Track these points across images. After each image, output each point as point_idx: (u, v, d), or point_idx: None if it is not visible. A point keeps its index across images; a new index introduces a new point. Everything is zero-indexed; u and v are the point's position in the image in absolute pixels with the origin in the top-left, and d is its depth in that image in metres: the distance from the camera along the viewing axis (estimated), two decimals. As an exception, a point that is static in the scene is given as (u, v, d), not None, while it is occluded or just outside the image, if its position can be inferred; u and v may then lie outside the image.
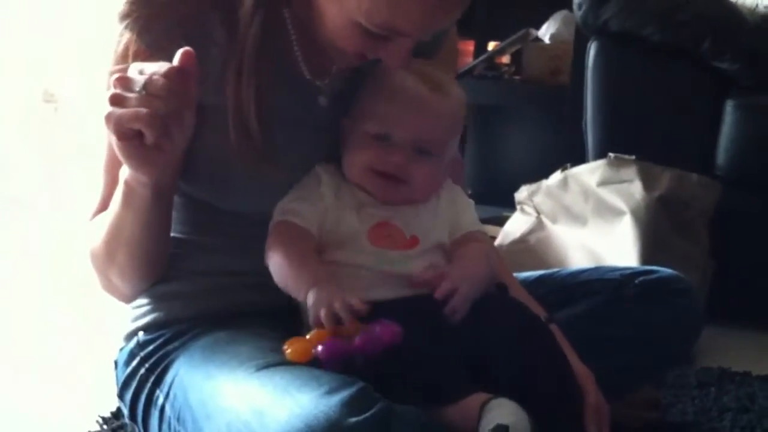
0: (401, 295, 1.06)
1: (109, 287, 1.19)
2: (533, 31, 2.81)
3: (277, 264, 1.08)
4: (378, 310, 1.01)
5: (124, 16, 1.05)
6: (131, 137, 0.95)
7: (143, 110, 0.93)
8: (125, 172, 1.04)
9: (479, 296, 1.06)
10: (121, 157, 0.99)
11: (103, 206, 1.14)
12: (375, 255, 1.08)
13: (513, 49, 2.87)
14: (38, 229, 2.48)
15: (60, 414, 1.47)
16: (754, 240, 2.05)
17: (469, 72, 2.83)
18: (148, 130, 0.94)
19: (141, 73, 0.95)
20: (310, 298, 1.01)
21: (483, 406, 0.93)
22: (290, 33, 1.11)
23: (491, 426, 0.91)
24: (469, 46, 3.00)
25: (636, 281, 1.28)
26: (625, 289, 1.27)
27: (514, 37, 2.79)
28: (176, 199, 1.15)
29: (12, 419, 1.45)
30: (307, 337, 1.00)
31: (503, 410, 0.92)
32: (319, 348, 0.97)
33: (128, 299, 1.20)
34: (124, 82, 0.95)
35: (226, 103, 1.06)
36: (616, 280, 1.29)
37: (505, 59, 2.94)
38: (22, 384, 1.60)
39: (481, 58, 2.88)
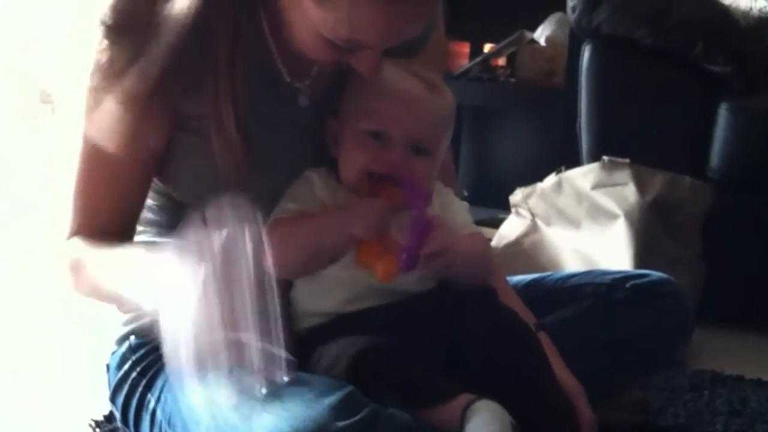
0: (386, 302, 1.06)
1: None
2: (528, 34, 2.81)
3: (292, 241, 1.05)
4: (363, 317, 1.01)
5: (107, 28, 1.03)
6: None
7: None
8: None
9: (467, 292, 1.08)
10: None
11: (79, 231, 1.12)
12: (365, 271, 1.06)
13: (508, 51, 2.87)
14: (38, 229, 2.47)
15: (53, 417, 1.47)
16: (747, 242, 2.05)
17: (465, 74, 2.83)
18: None
19: None
20: (355, 227, 1.03)
21: (466, 408, 0.93)
22: (267, 37, 1.11)
23: None
24: (465, 48, 3.00)
25: (627, 285, 1.29)
26: (616, 292, 1.28)
27: (509, 39, 2.79)
28: (164, 204, 1.15)
29: (4, 422, 1.45)
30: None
31: (489, 415, 0.92)
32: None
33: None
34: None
35: (205, 112, 1.06)
36: (607, 284, 1.29)
37: (501, 61, 2.94)
38: (17, 386, 1.60)
39: (477, 60, 2.88)
